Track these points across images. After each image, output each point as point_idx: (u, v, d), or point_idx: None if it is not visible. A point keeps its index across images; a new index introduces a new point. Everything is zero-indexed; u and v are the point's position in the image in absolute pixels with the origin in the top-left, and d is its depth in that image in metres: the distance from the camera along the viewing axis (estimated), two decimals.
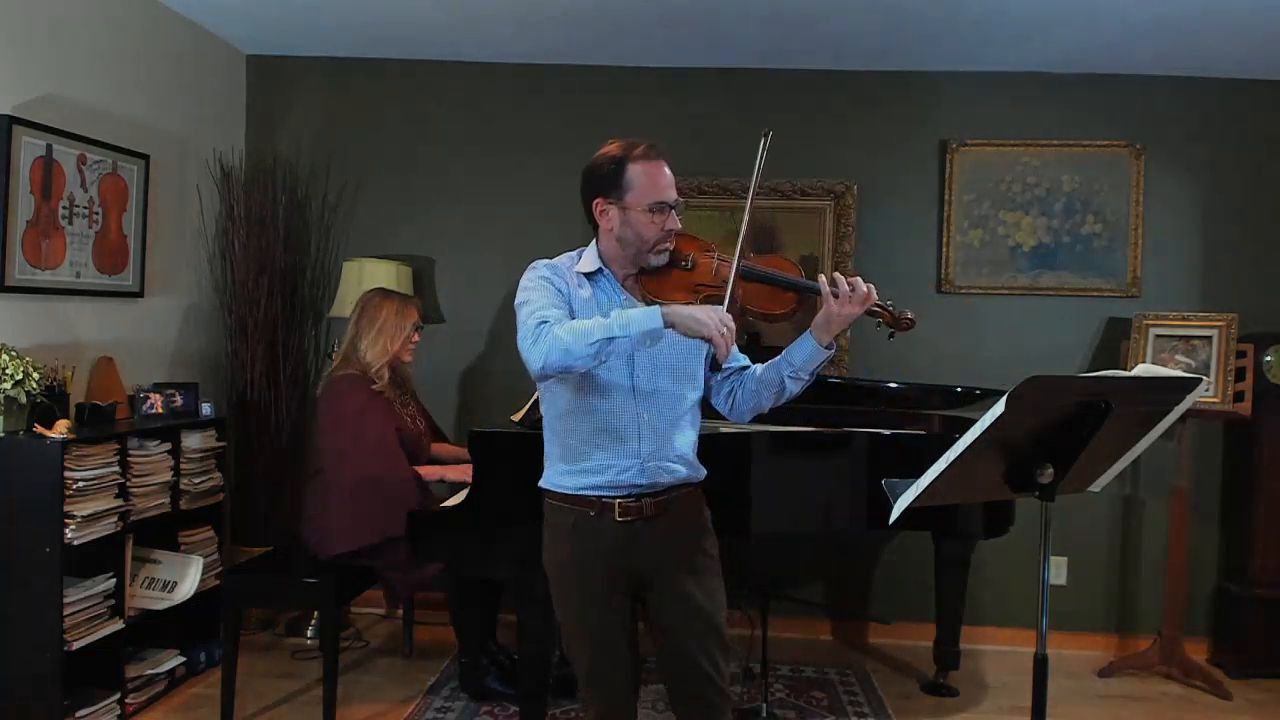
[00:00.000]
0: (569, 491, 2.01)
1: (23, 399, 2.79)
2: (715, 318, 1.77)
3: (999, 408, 1.55)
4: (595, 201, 1.99)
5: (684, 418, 2.03)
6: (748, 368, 2.11)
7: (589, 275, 2.02)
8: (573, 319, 1.92)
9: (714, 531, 2.13)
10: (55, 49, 3.16)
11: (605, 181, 1.98)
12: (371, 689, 3.50)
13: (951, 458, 1.61)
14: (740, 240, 1.96)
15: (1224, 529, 4.12)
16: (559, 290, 1.97)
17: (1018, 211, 4.17)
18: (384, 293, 3.39)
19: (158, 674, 3.30)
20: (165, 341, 3.82)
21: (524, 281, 1.99)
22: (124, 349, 3.48)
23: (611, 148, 2.01)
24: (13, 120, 2.93)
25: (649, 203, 1.95)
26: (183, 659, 3.41)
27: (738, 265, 1.93)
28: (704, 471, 2.11)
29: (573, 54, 4.14)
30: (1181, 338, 3.83)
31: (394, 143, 4.31)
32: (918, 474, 1.68)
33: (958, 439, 1.61)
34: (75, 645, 2.84)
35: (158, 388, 3.52)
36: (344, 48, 4.20)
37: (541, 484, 2.07)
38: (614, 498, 1.97)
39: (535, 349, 1.83)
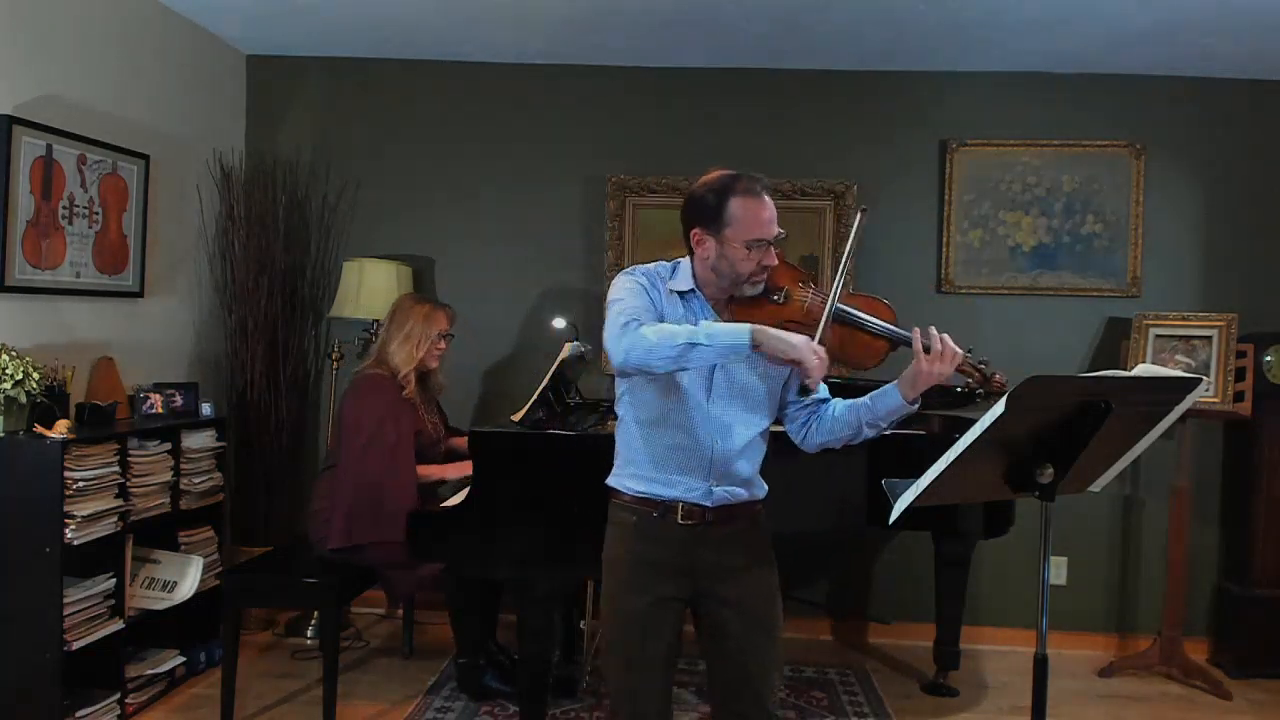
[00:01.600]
0: (634, 493, 2.03)
1: (23, 399, 2.79)
2: (808, 343, 1.77)
3: (999, 408, 1.55)
4: (693, 230, 2.00)
5: (753, 444, 2.04)
6: (826, 400, 2.09)
7: (681, 294, 2.03)
8: None
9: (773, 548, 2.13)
10: (55, 49, 3.16)
11: (705, 213, 1.97)
12: (371, 689, 3.50)
13: (951, 458, 1.61)
14: (836, 286, 1.95)
15: (1224, 529, 4.12)
16: (652, 300, 1.99)
17: (1018, 211, 4.17)
18: (415, 298, 3.45)
19: (158, 674, 3.30)
20: (165, 341, 3.82)
21: (619, 282, 2.01)
22: (124, 349, 3.48)
23: (714, 178, 2.00)
24: (13, 120, 2.93)
25: (747, 239, 1.95)
26: (183, 659, 3.41)
27: (830, 308, 1.92)
28: (765, 489, 2.11)
29: (573, 54, 4.14)
30: (1181, 338, 3.83)
31: (394, 143, 4.31)
32: (918, 474, 1.68)
33: (958, 439, 1.61)
34: (75, 645, 2.84)
35: (158, 388, 3.52)
36: (344, 48, 4.20)
37: (609, 482, 2.10)
38: (677, 501, 2.00)
39: (620, 342, 1.85)
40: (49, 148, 3.09)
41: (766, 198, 1.97)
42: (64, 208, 3.18)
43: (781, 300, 2.02)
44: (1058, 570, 4.16)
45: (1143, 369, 1.83)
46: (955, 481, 1.67)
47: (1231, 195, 4.12)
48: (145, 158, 3.55)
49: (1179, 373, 1.73)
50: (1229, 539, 4.10)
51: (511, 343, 4.28)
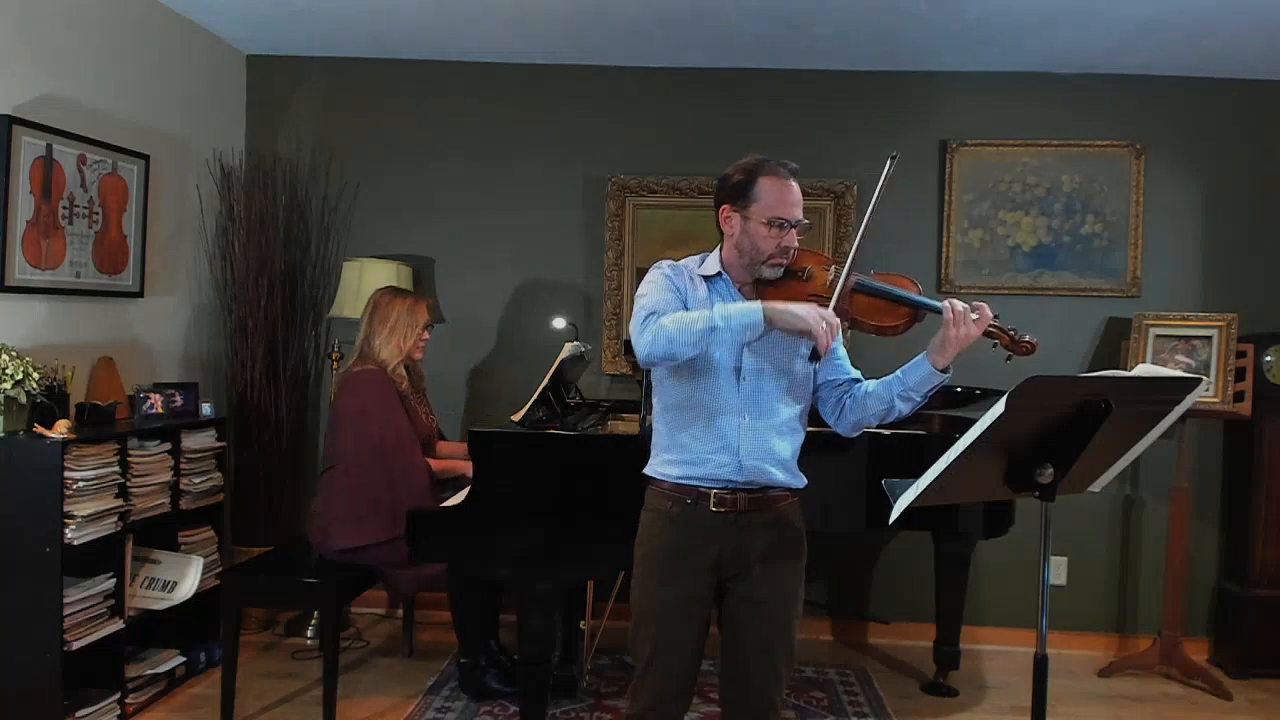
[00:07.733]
0: (670, 480, 2.07)
1: (23, 399, 2.79)
2: (815, 313, 1.84)
3: (999, 408, 1.55)
4: (722, 207, 2.09)
5: (785, 425, 2.07)
6: (859, 381, 2.14)
7: (709, 278, 2.10)
8: None
9: (807, 545, 2.15)
10: (55, 49, 3.16)
11: (734, 190, 2.07)
12: (371, 689, 3.50)
13: (952, 458, 1.61)
14: (853, 251, 2.02)
15: (1224, 529, 4.12)
16: (677, 288, 2.06)
17: (1018, 211, 4.17)
18: (394, 291, 3.42)
19: (158, 674, 3.30)
20: (165, 341, 3.82)
21: (646, 278, 2.09)
22: (124, 349, 3.48)
23: (746, 160, 2.10)
24: (13, 120, 2.93)
25: (769, 216, 2.02)
26: (183, 659, 3.41)
27: (847, 273, 1.98)
28: (803, 481, 2.13)
29: (573, 54, 4.14)
30: (1181, 338, 3.83)
31: (394, 143, 4.31)
32: (918, 474, 1.68)
33: (958, 439, 1.61)
34: (75, 645, 2.84)
35: (158, 388, 3.52)
36: (344, 48, 4.20)
37: (645, 471, 2.14)
38: (710, 488, 2.03)
39: (642, 338, 1.93)
40: (49, 148, 3.09)
41: (794, 182, 2.07)
42: (64, 208, 3.18)
43: (805, 277, 2.07)
44: (1058, 570, 4.16)
45: (1143, 369, 1.83)
46: (955, 481, 1.67)
47: (1231, 195, 4.12)
48: (145, 158, 3.55)
49: (1179, 373, 1.73)
50: (1229, 539, 4.10)
51: (511, 343, 4.28)
